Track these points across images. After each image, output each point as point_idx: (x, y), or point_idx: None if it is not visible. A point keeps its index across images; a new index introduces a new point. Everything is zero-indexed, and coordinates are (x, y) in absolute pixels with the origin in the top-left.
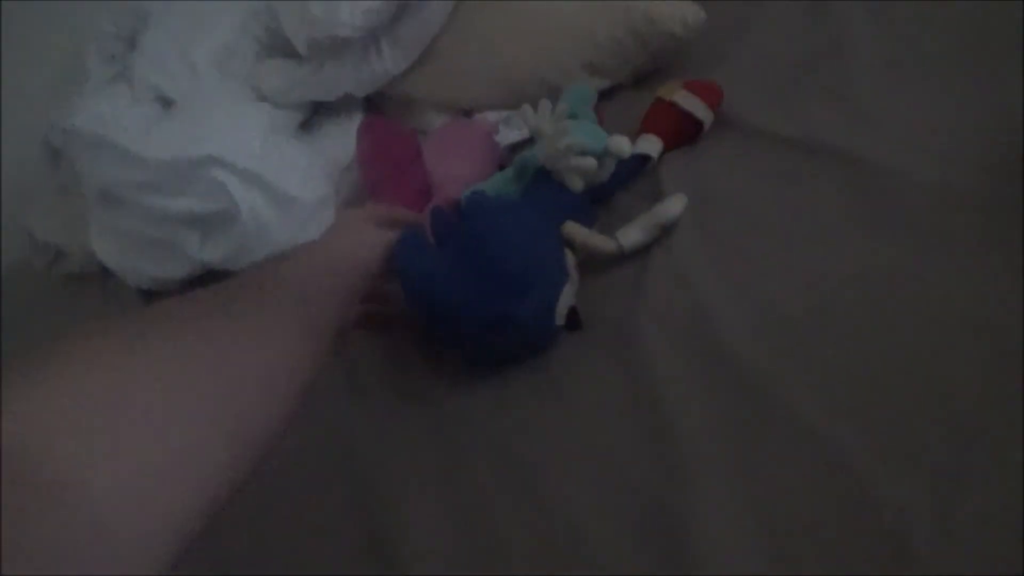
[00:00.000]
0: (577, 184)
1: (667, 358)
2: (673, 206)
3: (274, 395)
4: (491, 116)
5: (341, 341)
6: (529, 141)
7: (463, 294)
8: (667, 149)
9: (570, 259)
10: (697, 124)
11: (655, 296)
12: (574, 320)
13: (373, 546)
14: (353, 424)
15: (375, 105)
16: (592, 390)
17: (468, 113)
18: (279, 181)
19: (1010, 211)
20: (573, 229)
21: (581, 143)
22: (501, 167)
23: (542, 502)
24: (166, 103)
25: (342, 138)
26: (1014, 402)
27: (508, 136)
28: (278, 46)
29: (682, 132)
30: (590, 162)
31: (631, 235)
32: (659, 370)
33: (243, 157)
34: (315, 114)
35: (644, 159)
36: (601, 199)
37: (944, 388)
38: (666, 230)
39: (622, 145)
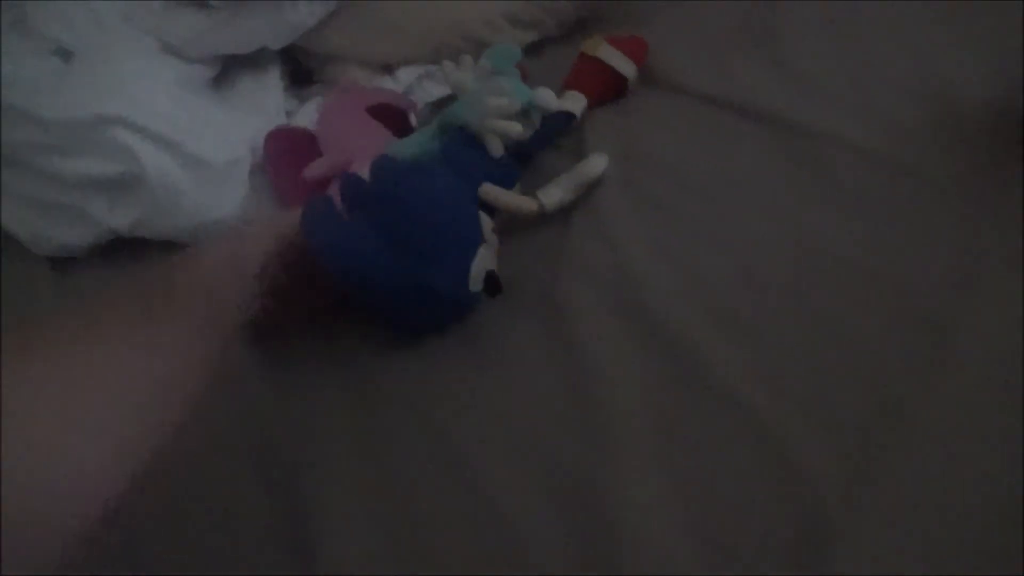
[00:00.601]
0: (497, 147)
1: (592, 322)
2: (595, 164)
3: (178, 393)
4: (410, 71)
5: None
6: (452, 98)
7: (373, 261)
8: (592, 105)
9: (487, 222)
10: (621, 79)
11: (580, 258)
12: (493, 285)
13: (287, 524)
14: (266, 397)
15: (294, 60)
16: (517, 356)
17: (389, 68)
18: (190, 142)
19: (938, 176)
20: (490, 191)
21: (506, 105)
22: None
23: (465, 475)
24: (66, 56)
25: (259, 95)
26: (932, 370)
27: (430, 92)
28: None
29: (607, 88)
30: (514, 127)
31: (553, 194)
32: (584, 335)
33: (150, 116)
34: (229, 69)
35: (568, 117)
36: (524, 158)
37: (863, 355)
38: (590, 189)
39: (548, 98)
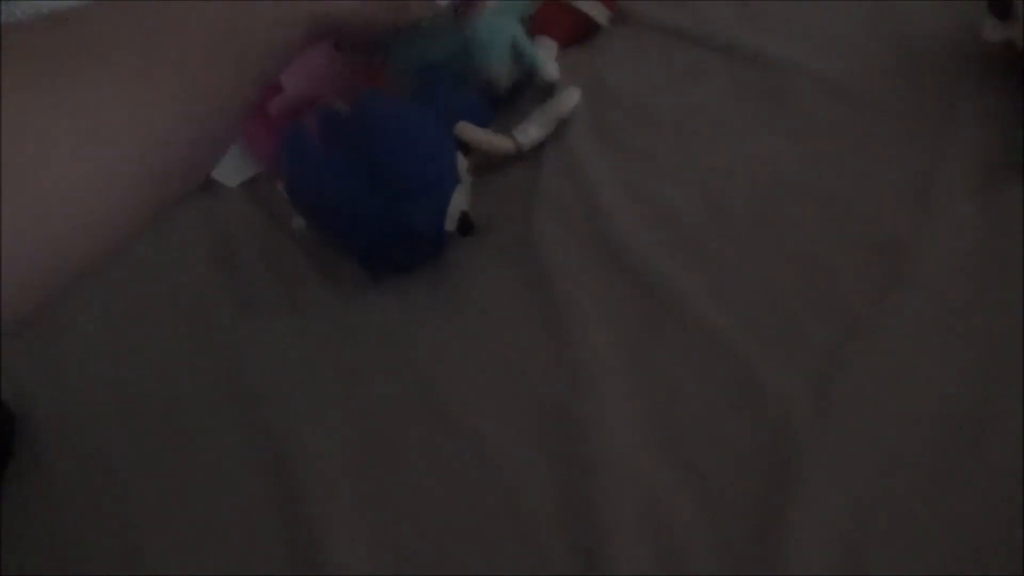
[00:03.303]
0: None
1: (564, 258)
2: (568, 99)
3: (221, 134)
4: None
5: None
6: None
7: (347, 194)
8: (561, 48)
9: (462, 162)
10: (593, 24)
11: (551, 195)
12: (466, 224)
13: (270, 474)
14: (241, 342)
15: None
16: (490, 294)
17: None
18: None
19: (897, 106)
20: (467, 130)
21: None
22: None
23: (444, 416)
24: None
25: None
26: (890, 290)
27: None
28: None
29: (578, 32)
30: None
31: (529, 132)
32: (556, 271)
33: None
34: None
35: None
36: (497, 101)
37: (824, 278)
38: (561, 125)
39: (553, 72)
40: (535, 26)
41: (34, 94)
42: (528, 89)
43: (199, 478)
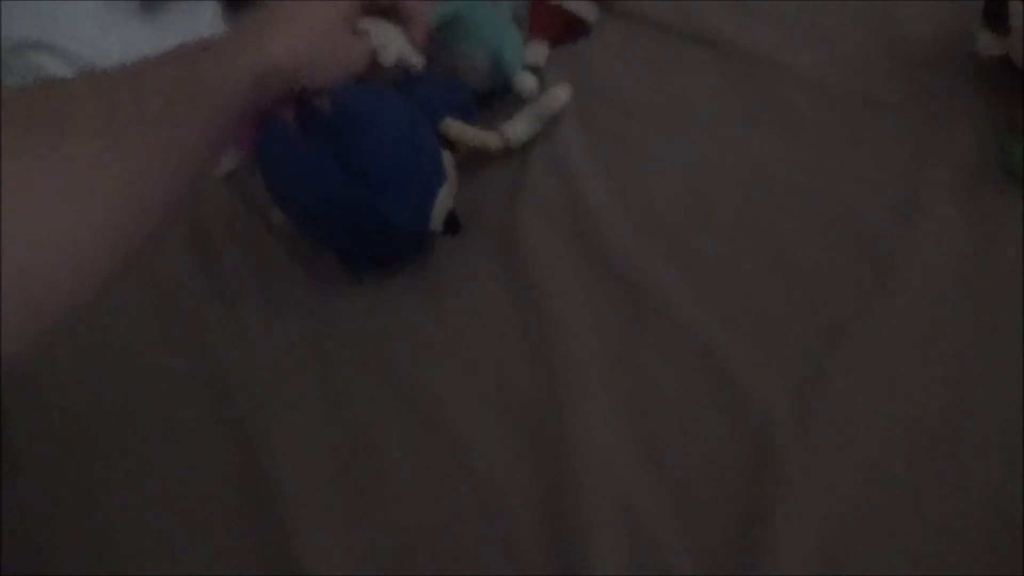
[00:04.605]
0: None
1: (549, 257)
2: (559, 96)
3: (182, 186)
4: None
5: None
6: None
7: (327, 188)
8: (552, 47)
9: (448, 159)
10: (584, 23)
11: (536, 193)
12: (452, 224)
13: (245, 471)
14: (220, 338)
15: None
16: (473, 294)
17: None
18: None
19: (886, 106)
20: (454, 126)
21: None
22: None
23: (424, 415)
24: None
25: (192, 18)
26: (874, 296)
27: None
28: None
29: (569, 31)
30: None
31: (517, 129)
32: (539, 268)
33: (74, 40)
34: None
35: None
36: (483, 99)
37: (811, 284)
38: (549, 121)
39: (528, 85)
40: (529, 31)
41: (12, 157)
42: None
43: (172, 475)
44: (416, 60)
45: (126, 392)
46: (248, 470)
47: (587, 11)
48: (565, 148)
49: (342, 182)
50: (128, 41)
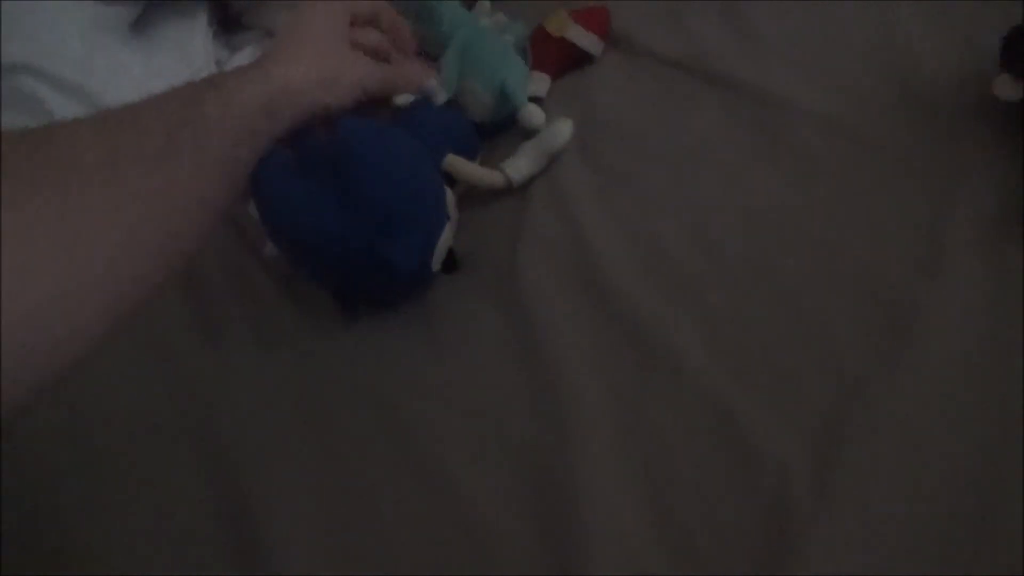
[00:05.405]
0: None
1: (550, 299)
2: (561, 134)
3: (191, 227)
4: None
5: None
6: None
7: (325, 228)
8: (555, 79)
9: (450, 197)
10: (587, 56)
11: (537, 231)
12: (451, 262)
13: (230, 514)
14: (208, 376)
15: (222, 7)
16: (472, 334)
17: None
18: (106, 92)
19: (900, 149)
20: (456, 163)
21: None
22: None
23: (418, 460)
24: None
25: (185, 41)
26: (894, 353)
27: None
28: None
29: (572, 64)
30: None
31: (520, 167)
32: (541, 312)
33: (61, 62)
34: (153, 13)
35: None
36: (486, 133)
37: (827, 338)
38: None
39: (535, 118)
40: (532, 63)
41: (13, 208)
42: (513, 124)
43: (153, 513)
44: (442, 95)
45: (106, 428)
46: (234, 511)
47: (591, 44)
48: (567, 185)
49: (340, 220)
50: (115, 64)
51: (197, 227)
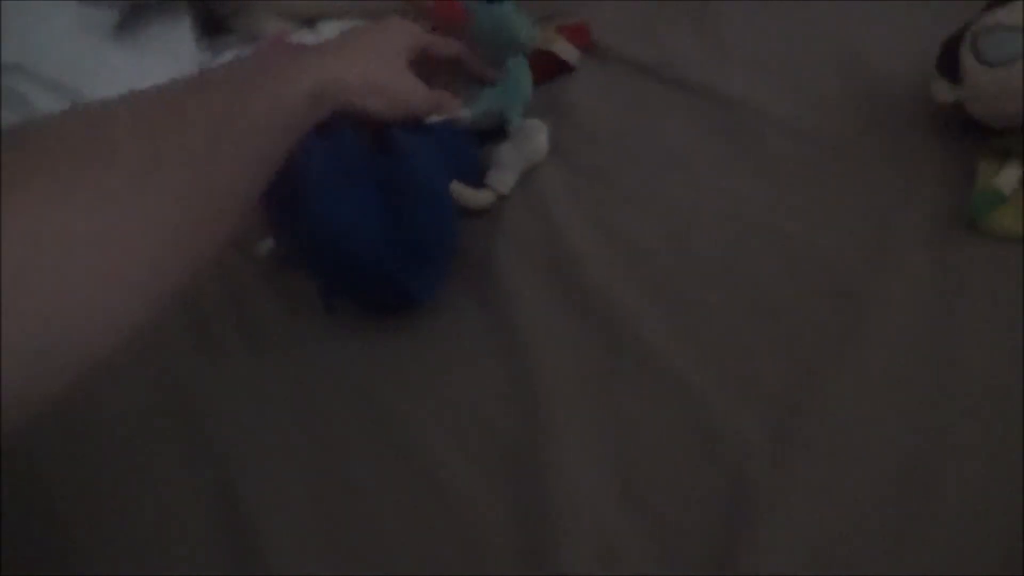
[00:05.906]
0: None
1: (528, 297)
2: (540, 143)
3: (224, 223)
4: (333, 26)
5: None
6: None
7: (366, 238)
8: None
9: None
10: (568, 66)
11: (516, 233)
12: None
13: (225, 516)
14: (201, 381)
15: (205, 9)
16: (454, 333)
17: (310, 22)
18: (95, 93)
19: (858, 152)
20: (459, 191)
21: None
22: None
23: (402, 453)
24: None
25: (171, 42)
26: (846, 339)
27: None
28: None
29: (551, 73)
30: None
31: (507, 181)
32: (521, 310)
33: (47, 62)
34: (140, 15)
35: None
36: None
37: (783, 324)
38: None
39: (540, 139)
40: None
41: (48, 197)
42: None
43: (147, 519)
44: (466, 113)
45: (98, 433)
46: (227, 513)
47: (570, 54)
48: (545, 186)
49: (383, 237)
50: (104, 65)
51: (231, 219)
